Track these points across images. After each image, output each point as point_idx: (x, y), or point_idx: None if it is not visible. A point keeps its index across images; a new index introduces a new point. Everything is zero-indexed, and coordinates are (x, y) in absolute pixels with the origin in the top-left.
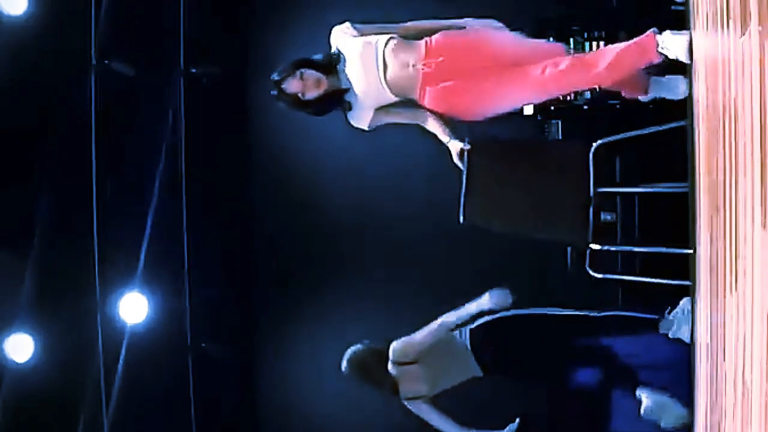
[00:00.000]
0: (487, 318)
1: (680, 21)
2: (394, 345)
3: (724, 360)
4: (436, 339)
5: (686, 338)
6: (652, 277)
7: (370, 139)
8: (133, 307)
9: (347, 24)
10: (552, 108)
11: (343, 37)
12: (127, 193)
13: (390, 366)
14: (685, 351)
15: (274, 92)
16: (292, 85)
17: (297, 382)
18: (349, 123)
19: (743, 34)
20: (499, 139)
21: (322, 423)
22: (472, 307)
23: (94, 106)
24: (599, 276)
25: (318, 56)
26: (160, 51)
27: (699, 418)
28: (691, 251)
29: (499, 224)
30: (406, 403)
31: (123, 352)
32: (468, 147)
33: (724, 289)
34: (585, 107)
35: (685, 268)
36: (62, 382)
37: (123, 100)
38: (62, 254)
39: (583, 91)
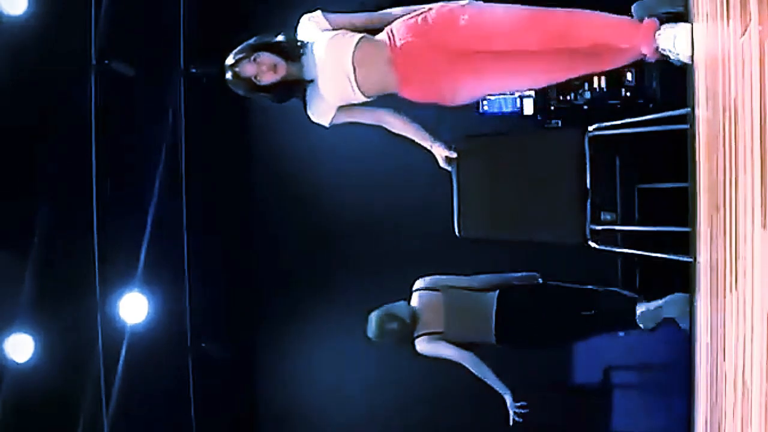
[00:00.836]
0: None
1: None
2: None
3: (724, 360)
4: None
5: (684, 326)
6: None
7: (370, 139)
8: (133, 307)
9: (319, 13)
10: (552, 108)
11: (313, 28)
12: (127, 193)
13: (414, 295)
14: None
15: (229, 76)
16: (246, 69)
17: (297, 382)
18: (308, 117)
19: (743, 34)
20: (487, 136)
21: (322, 423)
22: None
23: (94, 106)
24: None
25: (281, 39)
26: (160, 51)
27: (699, 418)
28: (690, 259)
29: (495, 233)
30: (421, 343)
31: (123, 352)
32: (454, 155)
33: (724, 289)
34: (585, 107)
35: (687, 264)
36: (62, 382)
37: (123, 100)
38: (62, 254)
39: (584, 90)
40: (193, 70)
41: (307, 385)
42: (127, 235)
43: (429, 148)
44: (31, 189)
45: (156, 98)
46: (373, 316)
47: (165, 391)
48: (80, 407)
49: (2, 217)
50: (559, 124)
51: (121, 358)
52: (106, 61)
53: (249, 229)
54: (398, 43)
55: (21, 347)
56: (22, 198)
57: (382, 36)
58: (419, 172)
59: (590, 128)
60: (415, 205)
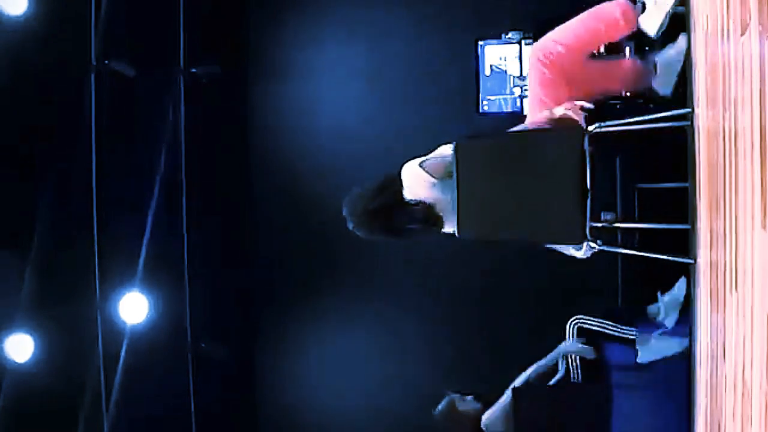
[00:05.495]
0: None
1: (680, 22)
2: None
3: (724, 360)
4: None
5: (669, 325)
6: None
7: (371, 140)
8: (133, 307)
9: (419, 164)
10: None
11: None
12: (127, 193)
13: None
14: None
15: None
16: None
17: (297, 382)
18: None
19: (743, 34)
20: (487, 136)
21: (322, 423)
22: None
23: (94, 106)
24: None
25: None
26: (160, 51)
27: (699, 418)
28: (691, 260)
29: (495, 233)
30: None
31: (123, 352)
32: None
33: (724, 289)
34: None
35: (687, 265)
36: (62, 382)
37: (123, 100)
38: (62, 254)
39: None
40: (193, 70)
41: (307, 385)
42: (127, 235)
43: None
44: (31, 189)
45: (156, 98)
46: (441, 409)
47: (165, 391)
48: (80, 407)
49: (2, 217)
50: None
51: (121, 358)
52: (106, 61)
53: (249, 229)
54: None
55: (21, 347)
56: (23, 197)
57: None
58: None
59: (590, 128)
60: None
